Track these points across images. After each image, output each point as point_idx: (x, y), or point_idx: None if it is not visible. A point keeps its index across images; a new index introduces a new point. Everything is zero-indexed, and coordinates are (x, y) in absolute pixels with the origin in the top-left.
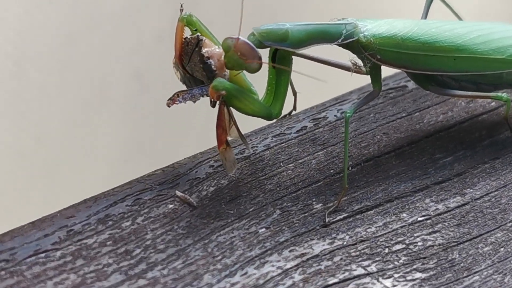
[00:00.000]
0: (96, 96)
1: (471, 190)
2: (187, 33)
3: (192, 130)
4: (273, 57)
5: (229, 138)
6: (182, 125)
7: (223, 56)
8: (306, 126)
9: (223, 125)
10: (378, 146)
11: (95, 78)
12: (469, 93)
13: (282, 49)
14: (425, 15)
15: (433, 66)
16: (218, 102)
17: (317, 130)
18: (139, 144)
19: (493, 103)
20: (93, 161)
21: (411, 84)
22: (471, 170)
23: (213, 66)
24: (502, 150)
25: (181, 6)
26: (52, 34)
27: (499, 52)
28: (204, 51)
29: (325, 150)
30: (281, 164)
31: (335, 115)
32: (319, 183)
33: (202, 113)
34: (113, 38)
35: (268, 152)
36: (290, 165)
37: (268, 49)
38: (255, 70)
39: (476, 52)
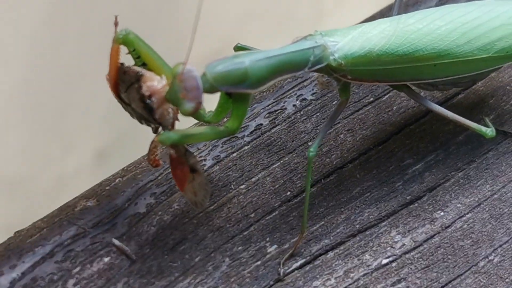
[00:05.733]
0: None
1: (442, 214)
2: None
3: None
4: None
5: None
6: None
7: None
8: (261, 125)
9: (180, 166)
10: (341, 151)
11: None
12: (449, 113)
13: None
14: None
15: (410, 76)
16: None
17: (273, 130)
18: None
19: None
20: None
21: None
22: (443, 182)
23: (154, 105)
24: (478, 148)
25: (116, 18)
26: None
27: (485, 50)
28: (144, 89)
29: (281, 161)
30: (232, 185)
31: (294, 105)
32: (274, 213)
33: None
34: None
35: (217, 167)
36: (242, 186)
37: None
38: (187, 112)
39: (460, 55)
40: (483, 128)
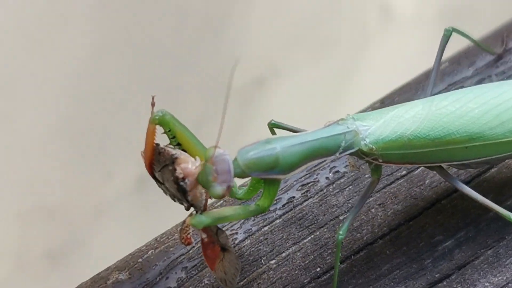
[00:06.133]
0: None
1: None
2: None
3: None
4: None
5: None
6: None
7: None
8: (294, 198)
9: (211, 246)
10: (372, 226)
11: None
12: (479, 197)
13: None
14: (440, 54)
15: (441, 158)
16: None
17: (305, 203)
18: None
19: None
20: None
21: None
22: (472, 260)
23: (187, 188)
24: (508, 225)
25: (153, 99)
26: None
27: None
28: (178, 171)
29: (312, 236)
30: (262, 260)
31: (326, 177)
32: None
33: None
34: None
35: (248, 241)
36: (272, 261)
37: None
38: (216, 195)
39: (492, 138)
40: None
